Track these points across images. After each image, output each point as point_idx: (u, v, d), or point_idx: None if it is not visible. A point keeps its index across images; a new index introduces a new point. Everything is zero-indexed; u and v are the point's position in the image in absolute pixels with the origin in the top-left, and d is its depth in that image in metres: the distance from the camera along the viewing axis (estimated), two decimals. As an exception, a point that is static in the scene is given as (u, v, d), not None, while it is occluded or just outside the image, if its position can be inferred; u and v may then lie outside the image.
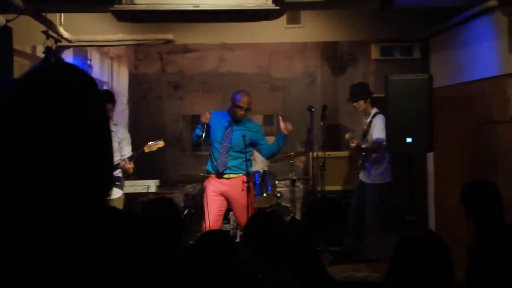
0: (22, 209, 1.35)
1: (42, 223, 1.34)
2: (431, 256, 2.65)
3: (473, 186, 4.47)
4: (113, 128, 6.55)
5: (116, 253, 1.36)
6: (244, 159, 6.65)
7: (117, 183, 6.54)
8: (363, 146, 7.30)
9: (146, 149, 6.72)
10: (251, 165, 6.84)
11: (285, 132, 6.65)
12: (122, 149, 6.64)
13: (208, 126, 6.58)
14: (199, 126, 6.65)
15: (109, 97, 6.52)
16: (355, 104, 7.38)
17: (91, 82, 1.50)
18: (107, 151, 1.49)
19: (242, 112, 6.64)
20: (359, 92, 7.39)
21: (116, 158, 6.48)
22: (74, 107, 1.42)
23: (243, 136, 6.56)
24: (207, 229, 6.38)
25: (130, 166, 6.45)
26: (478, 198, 4.26)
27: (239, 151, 6.65)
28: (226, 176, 6.66)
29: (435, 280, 2.62)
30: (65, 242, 1.33)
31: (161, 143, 6.81)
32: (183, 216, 7.79)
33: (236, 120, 6.68)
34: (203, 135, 6.55)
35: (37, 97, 1.40)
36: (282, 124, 6.69)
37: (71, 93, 1.43)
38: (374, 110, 7.31)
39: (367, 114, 7.37)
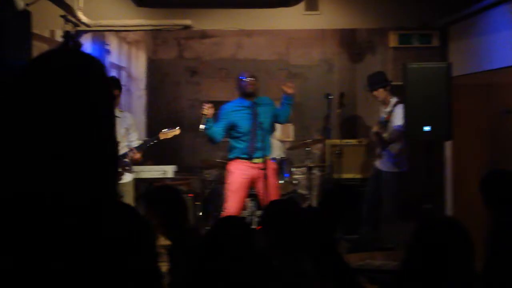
0: (16, 196, 1.35)
1: (31, 209, 1.34)
2: (451, 241, 2.64)
3: (494, 174, 4.42)
4: (119, 114, 6.60)
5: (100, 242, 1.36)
6: (269, 140, 6.75)
7: (126, 167, 6.60)
8: (384, 135, 7.25)
9: (161, 136, 6.71)
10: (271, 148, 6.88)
11: (290, 91, 6.67)
12: (130, 135, 6.68)
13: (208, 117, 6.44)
14: (206, 121, 6.47)
15: (115, 83, 6.54)
16: (375, 93, 7.33)
17: (98, 69, 1.50)
18: (112, 138, 1.49)
19: (252, 84, 6.59)
20: (378, 80, 7.35)
21: (123, 144, 6.55)
22: (78, 94, 1.42)
23: (271, 118, 6.68)
24: (231, 212, 6.41)
25: (138, 155, 6.48)
26: (499, 186, 4.23)
27: (266, 132, 6.65)
28: (257, 160, 6.54)
29: (453, 266, 2.61)
30: (50, 231, 1.34)
31: (177, 131, 6.78)
32: (199, 201, 7.82)
33: (250, 95, 6.57)
34: (207, 126, 6.42)
35: (41, 82, 1.41)
36: (284, 87, 6.71)
37: (76, 80, 1.43)
38: (395, 100, 7.25)
39: (386, 103, 7.32)
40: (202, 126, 6.40)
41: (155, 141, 6.70)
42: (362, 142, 8.25)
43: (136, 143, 6.65)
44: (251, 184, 6.66)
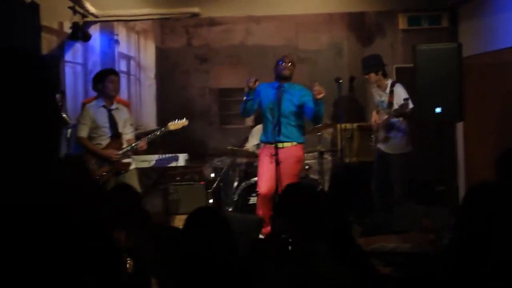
0: None
1: None
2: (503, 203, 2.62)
3: (509, 152, 4.39)
4: (117, 106, 6.73)
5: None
6: (295, 127, 6.70)
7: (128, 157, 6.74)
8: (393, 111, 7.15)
9: (170, 127, 6.89)
10: (303, 133, 6.85)
11: (318, 96, 6.32)
12: (126, 128, 6.77)
13: (253, 92, 6.56)
14: (245, 94, 6.61)
15: (110, 70, 6.75)
16: (366, 76, 7.33)
17: (32, 65, 1.54)
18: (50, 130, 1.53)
19: (287, 68, 6.68)
20: (370, 64, 7.31)
21: (126, 136, 6.69)
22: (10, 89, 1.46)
23: (294, 105, 6.62)
24: (263, 193, 6.58)
25: (146, 146, 6.73)
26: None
27: (288, 118, 6.63)
28: (280, 145, 6.52)
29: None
30: None
31: (185, 122, 6.98)
32: (210, 189, 7.83)
33: (283, 78, 6.65)
34: (248, 97, 6.55)
35: None
36: (314, 92, 6.36)
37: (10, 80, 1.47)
38: (390, 81, 7.22)
39: (381, 86, 7.26)
40: (248, 99, 6.57)
41: (164, 132, 6.84)
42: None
43: (130, 136, 6.77)
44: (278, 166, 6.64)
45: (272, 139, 6.53)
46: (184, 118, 7.03)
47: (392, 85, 7.17)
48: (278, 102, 6.58)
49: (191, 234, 3.10)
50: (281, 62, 6.73)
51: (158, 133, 6.85)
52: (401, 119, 7.08)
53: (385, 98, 7.24)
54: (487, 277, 2.52)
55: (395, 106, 7.07)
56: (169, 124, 6.93)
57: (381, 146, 7.33)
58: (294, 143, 6.67)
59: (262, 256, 3.75)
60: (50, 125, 1.52)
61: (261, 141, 6.90)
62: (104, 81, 6.59)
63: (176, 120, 6.98)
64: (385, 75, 7.30)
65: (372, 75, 7.26)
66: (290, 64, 6.72)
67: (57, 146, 1.56)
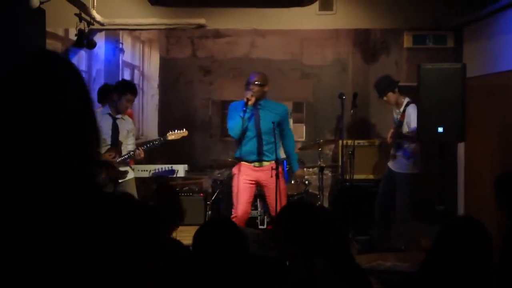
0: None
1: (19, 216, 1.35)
2: (475, 240, 2.66)
3: (507, 175, 4.39)
4: (123, 117, 6.66)
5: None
6: (273, 144, 6.51)
7: (127, 165, 6.70)
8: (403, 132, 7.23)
9: (169, 137, 6.81)
10: (279, 151, 6.63)
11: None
12: (129, 138, 6.74)
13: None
14: (242, 107, 6.33)
15: (132, 89, 6.63)
16: (385, 98, 7.34)
17: (72, 73, 1.52)
18: (88, 140, 1.50)
19: (257, 88, 6.41)
20: (385, 85, 7.33)
21: (128, 146, 6.63)
22: (52, 99, 1.43)
23: (272, 121, 6.39)
24: (238, 216, 6.41)
25: (143, 155, 6.63)
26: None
27: (269, 136, 6.49)
28: (257, 164, 6.50)
29: (476, 264, 2.62)
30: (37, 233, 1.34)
31: (185, 132, 6.89)
32: (209, 201, 7.81)
33: (256, 99, 6.39)
34: (245, 114, 6.29)
35: (15, 89, 1.42)
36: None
37: (49, 86, 1.44)
38: (406, 100, 7.25)
39: (399, 103, 7.31)
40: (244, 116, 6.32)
41: (163, 141, 6.78)
42: (375, 143, 8.24)
43: (131, 147, 6.68)
44: (257, 187, 6.62)
45: (254, 157, 6.47)
46: (184, 129, 6.93)
47: (407, 105, 7.21)
48: (258, 123, 6.47)
49: (206, 246, 3.06)
50: (252, 77, 6.54)
51: (157, 142, 6.77)
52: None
53: (398, 116, 7.29)
54: None
55: (405, 126, 7.13)
56: (168, 134, 6.86)
57: (390, 164, 7.37)
58: (272, 161, 6.51)
59: (260, 272, 3.72)
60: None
61: (237, 158, 6.65)
62: (122, 96, 6.49)
63: (176, 130, 6.91)
64: (401, 92, 7.33)
65: (390, 94, 7.29)
66: (260, 84, 6.47)
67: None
